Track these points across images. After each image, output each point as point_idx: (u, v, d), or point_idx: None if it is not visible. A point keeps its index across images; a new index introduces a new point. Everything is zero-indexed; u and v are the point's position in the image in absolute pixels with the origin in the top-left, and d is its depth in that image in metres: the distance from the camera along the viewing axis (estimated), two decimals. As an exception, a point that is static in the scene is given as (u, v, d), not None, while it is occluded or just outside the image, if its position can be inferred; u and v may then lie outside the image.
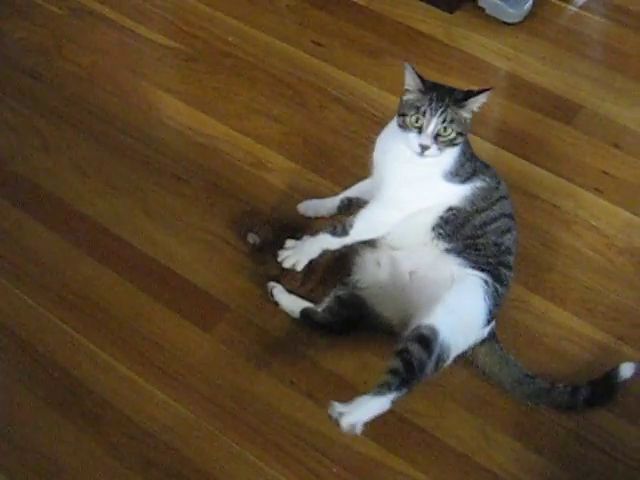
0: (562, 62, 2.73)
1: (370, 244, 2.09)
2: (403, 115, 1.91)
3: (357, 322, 2.08)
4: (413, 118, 1.89)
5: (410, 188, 1.99)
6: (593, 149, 2.51)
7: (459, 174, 1.98)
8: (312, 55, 2.71)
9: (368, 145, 2.45)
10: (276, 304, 2.12)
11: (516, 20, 2.81)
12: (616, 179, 2.44)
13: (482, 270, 1.97)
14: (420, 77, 1.90)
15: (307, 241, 2.07)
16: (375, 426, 1.93)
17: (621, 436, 1.97)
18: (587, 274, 2.24)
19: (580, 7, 2.90)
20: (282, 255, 2.08)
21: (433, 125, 1.87)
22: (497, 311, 2.00)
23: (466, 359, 2.02)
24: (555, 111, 2.60)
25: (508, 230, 2.02)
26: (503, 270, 1.99)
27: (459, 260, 1.98)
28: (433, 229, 2.00)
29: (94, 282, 2.19)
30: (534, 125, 2.57)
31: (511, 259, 2.02)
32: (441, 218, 1.99)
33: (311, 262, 2.07)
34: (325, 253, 2.07)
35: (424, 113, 1.87)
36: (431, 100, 1.87)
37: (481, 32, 2.80)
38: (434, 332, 1.86)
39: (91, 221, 2.31)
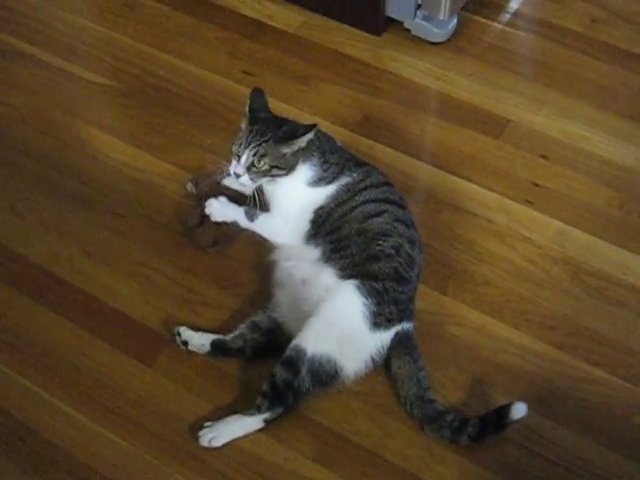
0: (489, 78, 2.77)
1: (272, 264, 2.17)
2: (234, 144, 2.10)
3: (270, 347, 2.09)
4: (234, 147, 2.09)
5: (285, 197, 2.14)
6: (522, 161, 2.54)
7: (323, 178, 2.12)
8: (243, 85, 2.72)
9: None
10: (185, 344, 2.10)
11: (442, 39, 2.84)
12: (546, 190, 2.48)
13: (350, 276, 2.00)
14: (256, 110, 2.13)
15: (230, 205, 2.21)
16: (318, 448, 1.96)
17: (563, 443, 2.00)
18: (523, 285, 2.27)
19: (505, 24, 2.95)
20: (208, 202, 2.20)
21: (245, 157, 2.06)
22: (393, 309, 2.00)
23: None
24: (484, 126, 2.64)
25: (377, 215, 2.08)
26: (374, 265, 2.01)
27: (329, 269, 2.04)
28: (304, 235, 2.11)
29: (33, 322, 2.19)
30: (464, 141, 2.61)
31: (386, 245, 2.03)
32: (310, 222, 2.11)
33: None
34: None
35: (240, 144, 2.07)
36: (250, 132, 2.07)
37: (409, 53, 2.83)
38: (298, 351, 1.94)
39: (28, 262, 2.31)
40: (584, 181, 2.51)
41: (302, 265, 2.08)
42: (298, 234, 2.12)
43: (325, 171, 2.12)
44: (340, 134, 2.57)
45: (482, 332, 2.18)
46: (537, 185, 2.49)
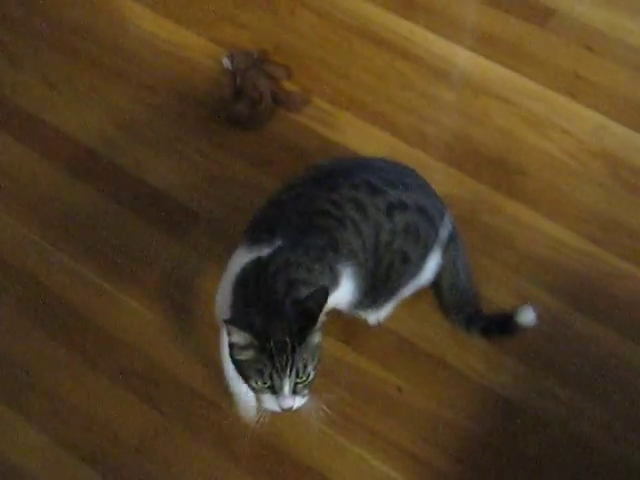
0: (537, -36, 2.68)
1: None
2: (246, 377, 1.56)
3: None
4: (259, 383, 1.54)
5: None
6: (566, 52, 2.48)
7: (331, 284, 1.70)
8: (282, -40, 2.66)
9: (338, 51, 2.45)
10: None
11: None
12: (589, 82, 2.42)
13: None
14: (248, 326, 1.50)
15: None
16: (347, 330, 1.95)
17: (591, 336, 1.99)
18: (560, 177, 2.24)
19: None
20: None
21: (287, 385, 1.54)
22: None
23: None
24: (529, 14, 2.56)
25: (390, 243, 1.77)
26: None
27: None
28: None
29: (64, 194, 2.18)
30: (508, 29, 2.53)
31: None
32: None
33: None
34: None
35: (271, 376, 1.53)
36: (272, 355, 1.51)
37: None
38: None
39: (61, 133, 2.28)
40: (628, 75, 2.44)
41: None
42: None
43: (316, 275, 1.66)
44: (378, 15, 2.52)
45: (516, 222, 2.16)
46: (580, 77, 2.43)
